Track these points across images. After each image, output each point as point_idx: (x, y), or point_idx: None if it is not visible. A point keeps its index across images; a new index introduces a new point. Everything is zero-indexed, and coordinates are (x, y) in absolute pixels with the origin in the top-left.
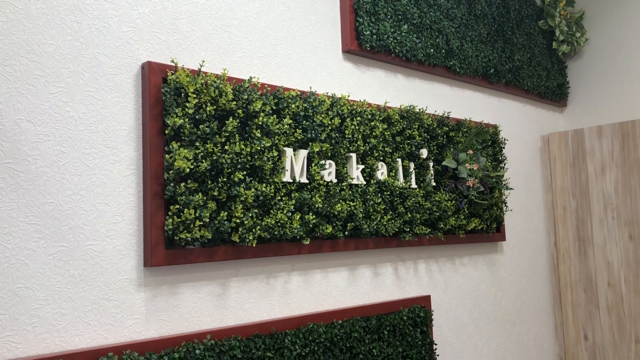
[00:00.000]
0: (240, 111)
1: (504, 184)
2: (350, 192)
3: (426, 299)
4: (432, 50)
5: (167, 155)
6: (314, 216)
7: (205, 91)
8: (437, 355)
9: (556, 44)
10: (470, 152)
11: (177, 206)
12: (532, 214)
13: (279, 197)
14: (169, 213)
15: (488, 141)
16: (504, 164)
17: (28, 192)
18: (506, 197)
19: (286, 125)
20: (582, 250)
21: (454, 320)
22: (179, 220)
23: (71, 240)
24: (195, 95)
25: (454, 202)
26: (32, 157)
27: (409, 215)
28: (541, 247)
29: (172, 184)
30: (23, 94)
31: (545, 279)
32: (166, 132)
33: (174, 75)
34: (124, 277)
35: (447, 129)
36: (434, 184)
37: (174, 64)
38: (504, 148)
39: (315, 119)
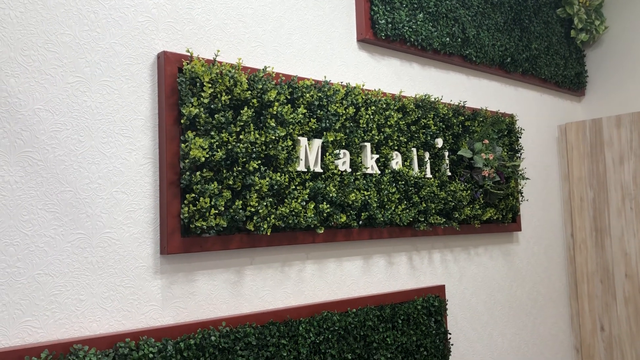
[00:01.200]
0: (254, 101)
1: (520, 174)
2: (365, 181)
3: (441, 289)
4: (447, 39)
5: (182, 145)
6: (328, 205)
7: (220, 81)
8: (452, 344)
9: (574, 33)
10: (486, 141)
11: (193, 195)
12: (549, 204)
13: (294, 187)
14: (185, 201)
15: (504, 131)
16: (521, 154)
17: (47, 180)
18: (522, 187)
19: (300, 115)
20: (599, 241)
21: (469, 310)
22: (195, 208)
23: (89, 227)
24: (210, 85)
25: (469, 191)
26: (51, 146)
27: (424, 205)
28: (557, 237)
29: (187, 173)
30: (41, 84)
31: (561, 270)
32: (182, 121)
33: (190, 65)
34: (140, 265)
35: (462, 118)
36: (449, 173)
37: (189, 54)
38: (520, 138)
39: (329, 109)
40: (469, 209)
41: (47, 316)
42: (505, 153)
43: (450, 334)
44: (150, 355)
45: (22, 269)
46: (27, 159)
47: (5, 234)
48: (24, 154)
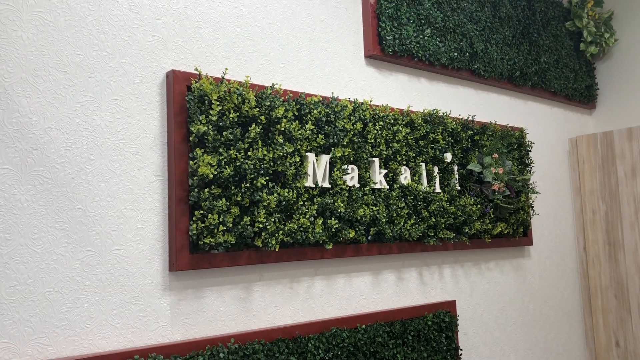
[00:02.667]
0: (262, 117)
1: (531, 188)
2: (373, 196)
3: (451, 304)
4: (455, 53)
5: (191, 162)
6: (336, 221)
7: (228, 98)
8: None
9: (584, 46)
10: (496, 155)
11: (201, 211)
12: (560, 218)
13: (302, 202)
14: (194, 218)
15: (514, 144)
16: (531, 168)
17: (57, 198)
18: (533, 201)
19: (308, 131)
20: (612, 255)
21: (480, 325)
22: (203, 225)
23: (98, 245)
24: (218, 103)
25: (479, 206)
26: (61, 164)
27: (433, 220)
28: (570, 251)
29: (196, 190)
30: (52, 104)
31: (574, 284)
32: (190, 138)
33: (198, 83)
34: (149, 282)
35: (471, 132)
36: (459, 188)
37: (197, 72)
38: (530, 151)
39: (337, 124)
40: (479, 223)
41: (57, 333)
42: (515, 167)
43: (461, 350)
44: None
45: (33, 287)
46: (37, 177)
47: (16, 252)
48: (34, 172)
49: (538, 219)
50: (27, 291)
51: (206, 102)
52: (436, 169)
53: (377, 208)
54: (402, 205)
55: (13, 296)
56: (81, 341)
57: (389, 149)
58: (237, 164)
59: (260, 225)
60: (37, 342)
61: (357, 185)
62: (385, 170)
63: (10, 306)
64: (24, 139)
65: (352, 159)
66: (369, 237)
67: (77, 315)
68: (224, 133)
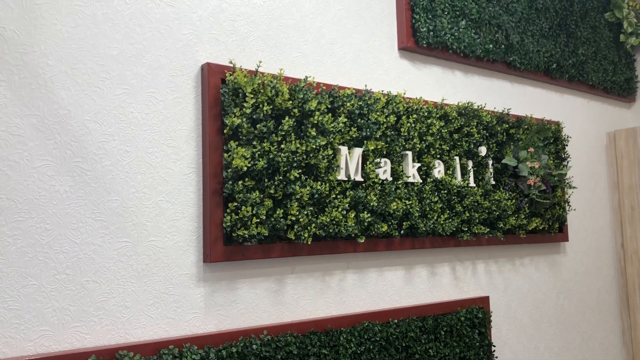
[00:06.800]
0: (296, 110)
1: (567, 183)
2: (406, 190)
3: (485, 300)
4: (491, 45)
5: (225, 154)
6: (368, 214)
7: (262, 91)
8: (496, 357)
9: (624, 37)
10: (532, 149)
11: (235, 203)
12: (597, 214)
13: (334, 195)
14: (227, 210)
15: (550, 138)
16: (567, 162)
17: (95, 189)
18: (569, 196)
19: (341, 124)
20: None
21: (514, 322)
22: (237, 217)
23: (135, 236)
24: (252, 95)
25: (514, 201)
26: (98, 156)
27: (467, 215)
28: (607, 248)
29: (230, 182)
30: (90, 96)
31: (611, 282)
32: (225, 131)
33: (232, 76)
34: (184, 273)
35: (506, 126)
36: (493, 182)
37: (232, 65)
38: (567, 145)
39: (370, 117)
40: (513, 218)
41: (94, 322)
42: (551, 161)
43: (494, 346)
44: None
45: (71, 276)
46: (76, 168)
47: (55, 242)
48: (73, 163)
49: (574, 214)
50: (66, 280)
51: (240, 94)
52: (470, 163)
53: (410, 202)
54: (436, 199)
55: (53, 285)
56: (117, 330)
57: (423, 142)
58: (271, 156)
59: (293, 218)
60: (75, 331)
61: (390, 178)
62: (419, 164)
63: (50, 295)
64: (63, 131)
65: (385, 153)
66: (402, 232)
67: (114, 304)
68: (258, 126)
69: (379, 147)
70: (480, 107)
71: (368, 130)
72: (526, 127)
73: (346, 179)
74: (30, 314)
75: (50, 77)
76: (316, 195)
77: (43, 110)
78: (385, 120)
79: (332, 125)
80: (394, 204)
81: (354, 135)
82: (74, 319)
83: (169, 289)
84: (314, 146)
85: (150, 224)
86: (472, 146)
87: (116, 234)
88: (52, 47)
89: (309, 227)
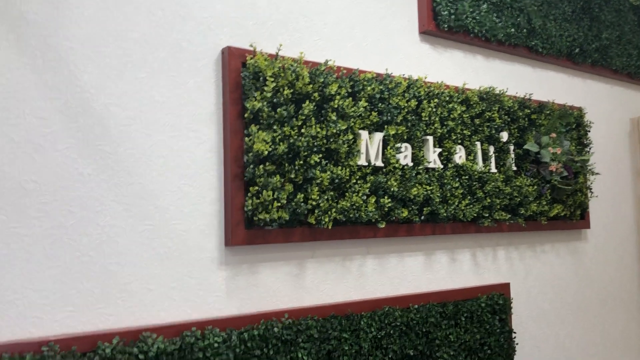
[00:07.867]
0: (316, 94)
1: (589, 169)
2: (427, 175)
3: (505, 287)
4: (512, 29)
5: (246, 138)
6: (389, 200)
7: (282, 75)
8: (517, 343)
9: None
10: (554, 135)
11: (256, 188)
12: (620, 201)
13: (354, 180)
14: (249, 194)
15: (572, 124)
16: (590, 148)
17: (117, 173)
18: (592, 183)
19: (362, 108)
20: None
21: (535, 309)
22: (258, 201)
23: (157, 219)
24: (273, 79)
25: (535, 187)
26: (121, 139)
27: (488, 201)
28: (629, 236)
29: (251, 166)
30: (112, 79)
31: (633, 270)
32: (245, 115)
33: (253, 59)
34: (206, 256)
35: (528, 111)
36: (515, 168)
37: (252, 49)
38: (589, 131)
39: (391, 102)
40: (535, 204)
41: (118, 304)
42: (574, 147)
43: (515, 332)
44: (215, 345)
45: (95, 258)
46: (99, 152)
47: (79, 224)
48: (96, 147)
49: (596, 201)
50: (90, 262)
51: (261, 78)
52: (492, 149)
53: (431, 187)
54: (457, 185)
55: (78, 266)
56: (141, 312)
57: (444, 127)
58: (291, 141)
59: (314, 203)
60: (99, 312)
61: (411, 164)
62: (440, 149)
63: (74, 276)
64: (86, 114)
65: (405, 137)
66: (422, 217)
67: (137, 287)
68: (278, 110)
69: (400, 131)
70: (501, 91)
71: (389, 114)
72: (548, 112)
73: (366, 164)
74: (56, 295)
75: (72, 60)
76: (336, 180)
77: (66, 94)
78: (406, 104)
79: (353, 109)
80: (415, 189)
81: (375, 120)
82: (98, 301)
83: (191, 272)
84: (335, 131)
85: (172, 207)
86: (493, 131)
87: (139, 216)
88: (74, 30)
89: (329, 212)
